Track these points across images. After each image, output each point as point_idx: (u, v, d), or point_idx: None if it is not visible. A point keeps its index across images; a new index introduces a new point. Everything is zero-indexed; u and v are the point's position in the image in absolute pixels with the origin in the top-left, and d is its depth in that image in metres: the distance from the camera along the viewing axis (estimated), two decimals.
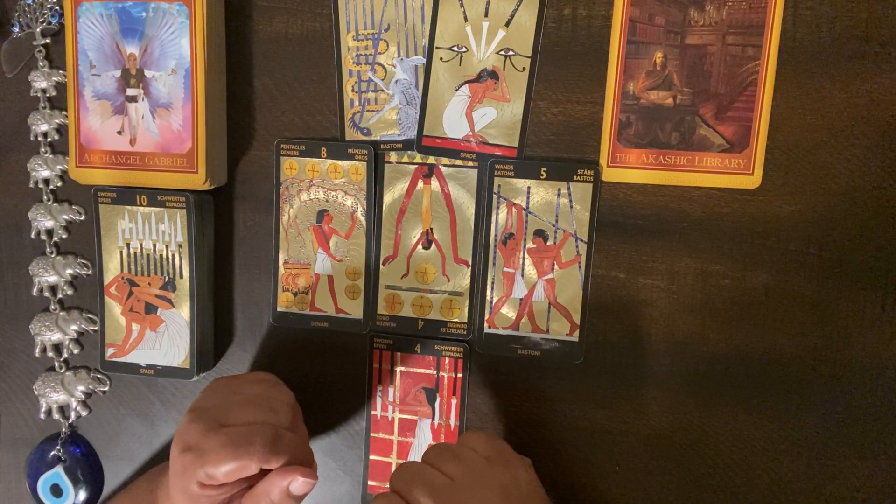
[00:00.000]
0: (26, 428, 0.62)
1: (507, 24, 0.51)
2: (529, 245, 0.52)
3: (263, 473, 0.42)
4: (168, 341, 0.55)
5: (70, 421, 0.61)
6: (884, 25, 0.46)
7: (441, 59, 0.52)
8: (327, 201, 0.54)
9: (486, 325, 0.53)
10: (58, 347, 0.60)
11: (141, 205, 0.54)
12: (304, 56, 0.54)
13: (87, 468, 0.60)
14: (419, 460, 0.43)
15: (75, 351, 0.60)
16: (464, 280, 0.54)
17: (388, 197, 0.54)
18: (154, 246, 0.55)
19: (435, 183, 0.53)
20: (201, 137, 0.52)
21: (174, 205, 0.54)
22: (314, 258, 0.55)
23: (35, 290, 0.59)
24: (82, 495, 0.60)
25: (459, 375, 0.54)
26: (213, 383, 0.50)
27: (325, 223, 0.55)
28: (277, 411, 0.45)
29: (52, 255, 0.59)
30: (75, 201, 0.59)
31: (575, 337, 0.52)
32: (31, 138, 0.58)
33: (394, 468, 0.56)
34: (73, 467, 0.60)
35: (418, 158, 0.53)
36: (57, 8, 0.56)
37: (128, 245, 0.55)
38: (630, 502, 0.53)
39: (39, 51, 0.57)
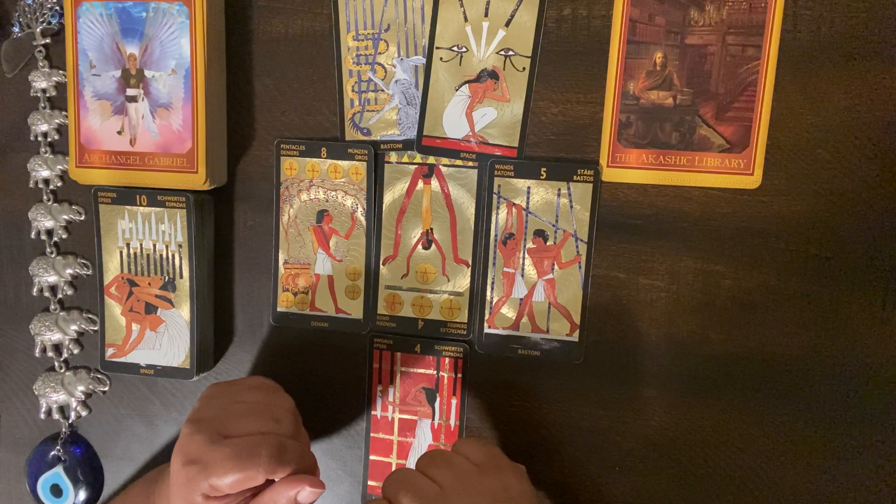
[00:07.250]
0: (26, 428, 0.62)
1: (507, 24, 0.51)
2: (529, 245, 0.52)
3: (267, 482, 0.42)
4: (168, 341, 0.55)
5: (70, 421, 0.61)
6: (884, 25, 0.46)
7: (441, 59, 0.52)
8: (327, 201, 0.54)
9: (486, 325, 0.53)
10: (58, 347, 0.60)
11: (141, 205, 0.54)
12: (304, 56, 0.54)
13: (87, 468, 0.60)
14: (415, 466, 0.43)
15: (75, 351, 0.60)
16: (464, 280, 0.54)
17: (388, 197, 0.54)
18: (154, 246, 0.55)
19: (435, 183, 0.53)
20: (201, 137, 0.52)
21: (174, 205, 0.54)
22: (314, 258, 0.55)
23: (35, 290, 0.59)
24: (82, 495, 0.60)
25: (459, 375, 0.54)
26: (210, 390, 0.48)
27: (325, 223, 0.55)
28: (280, 420, 0.44)
29: (52, 255, 0.59)
30: (75, 201, 0.59)
31: (575, 337, 0.52)
32: (31, 138, 0.58)
33: (394, 468, 0.56)
34: (73, 467, 0.60)
35: (418, 158, 0.53)
36: (57, 8, 0.56)
37: (128, 245, 0.55)
38: (630, 502, 0.53)
39: (39, 51, 0.57)
